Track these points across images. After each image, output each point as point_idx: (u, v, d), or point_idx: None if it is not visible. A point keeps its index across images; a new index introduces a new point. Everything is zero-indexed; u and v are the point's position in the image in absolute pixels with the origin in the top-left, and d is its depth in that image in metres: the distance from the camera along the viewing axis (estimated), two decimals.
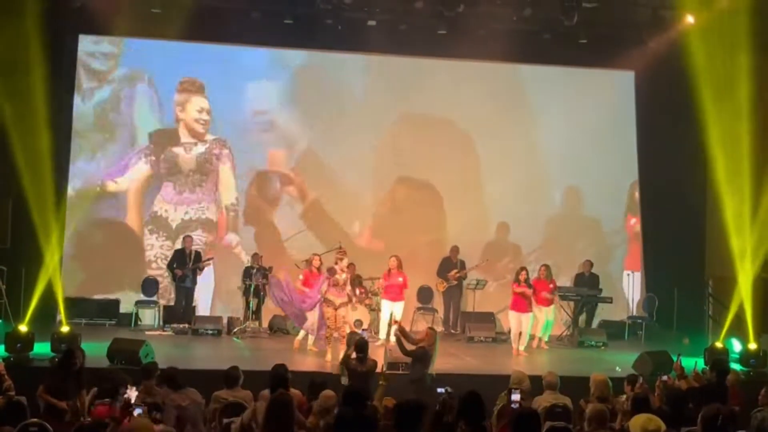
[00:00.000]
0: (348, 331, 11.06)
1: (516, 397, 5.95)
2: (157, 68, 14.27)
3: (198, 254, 13.43)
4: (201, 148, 14.35)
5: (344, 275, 11.27)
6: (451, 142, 14.79)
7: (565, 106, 14.75)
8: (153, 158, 14.23)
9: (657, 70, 14.24)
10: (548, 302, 12.76)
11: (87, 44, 14.05)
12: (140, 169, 14.22)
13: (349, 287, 11.41)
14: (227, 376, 7.56)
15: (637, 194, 15.15)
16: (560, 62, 14.66)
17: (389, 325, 10.00)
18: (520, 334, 12.17)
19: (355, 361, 8.43)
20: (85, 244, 13.92)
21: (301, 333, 11.79)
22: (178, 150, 14.28)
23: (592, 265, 13.94)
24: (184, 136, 14.37)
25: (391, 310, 11.73)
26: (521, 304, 12.19)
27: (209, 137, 14.37)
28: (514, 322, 12.19)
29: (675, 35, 13.53)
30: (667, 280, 14.24)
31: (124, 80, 14.21)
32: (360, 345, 8.58)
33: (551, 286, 12.81)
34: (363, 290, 12.67)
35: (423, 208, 14.77)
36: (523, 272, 12.25)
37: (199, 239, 14.08)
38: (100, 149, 14.14)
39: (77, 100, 14.05)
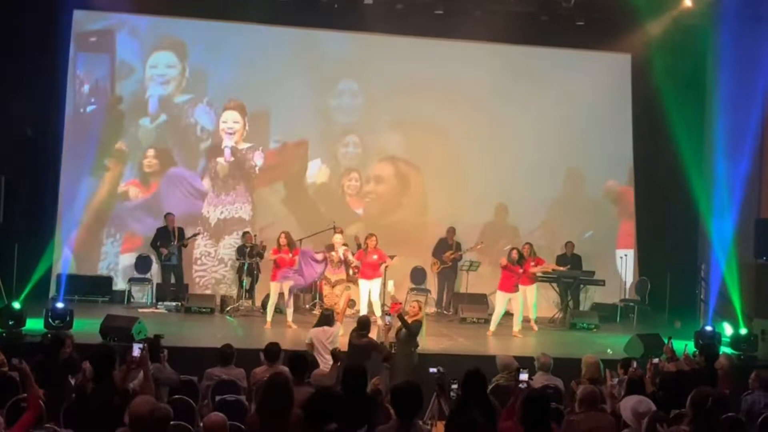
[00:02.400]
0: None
1: (524, 376, 5.95)
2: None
3: (182, 231, 13.39)
4: (236, 155, 14.48)
5: (340, 252, 11.36)
6: (449, 122, 14.71)
7: (562, 88, 14.64)
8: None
9: (653, 53, 14.22)
10: (531, 281, 12.74)
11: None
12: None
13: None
14: (221, 354, 7.59)
15: (631, 175, 15.17)
16: (557, 44, 14.59)
17: (383, 312, 10.06)
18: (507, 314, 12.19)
19: (354, 334, 8.61)
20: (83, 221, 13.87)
21: (290, 314, 11.87)
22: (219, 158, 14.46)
23: (573, 246, 13.97)
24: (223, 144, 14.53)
25: (368, 288, 11.88)
26: (509, 284, 12.07)
27: (243, 146, 14.50)
28: (502, 301, 12.15)
29: (672, 18, 13.53)
30: (660, 264, 14.25)
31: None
32: (361, 322, 8.77)
33: (533, 263, 12.80)
34: (356, 269, 12.68)
35: (419, 188, 14.75)
36: (515, 252, 12.22)
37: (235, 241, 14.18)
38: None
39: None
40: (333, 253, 11.47)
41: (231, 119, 14.43)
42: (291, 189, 14.60)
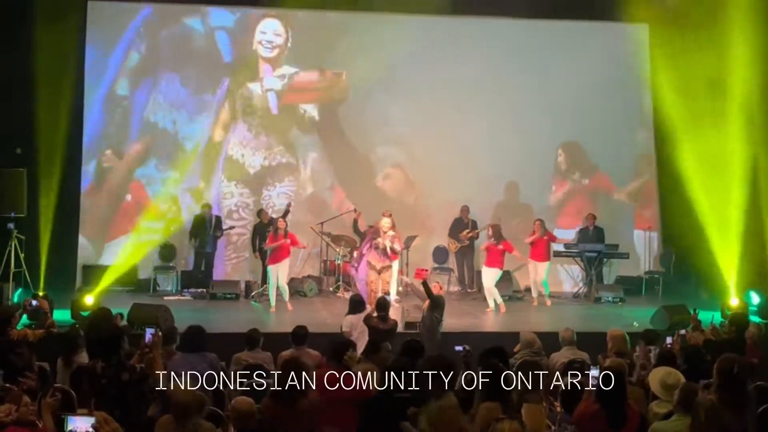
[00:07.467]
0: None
1: (594, 373, 5.96)
2: None
3: (219, 220, 13.44)
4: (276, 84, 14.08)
5: (387, 240, 11.30)
6: (460, 100, 14.50)
7: (578, 61, 14.41)
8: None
9: (672, 22, 14.04)
10: (543, 257, 12.69)
11: None
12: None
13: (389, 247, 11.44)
14: (248, 338, 7.64)
15: (651, 147, 15.00)
16: (572, 16, 14.44)
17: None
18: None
19: (376, 319, 8.49)
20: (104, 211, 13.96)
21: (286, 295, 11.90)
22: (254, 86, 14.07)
23: (595, 218, 13.82)
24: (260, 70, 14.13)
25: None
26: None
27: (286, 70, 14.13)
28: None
29: None
30: (684, 234, 14.11)
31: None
32: (381, 303, 8.65)
33: (546, 238, 12.72)
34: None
35: (434, 168, 14.63)
36: (491, 228, 12.28)
37: (288, 189, 14.11)
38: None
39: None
40: (379, 240, 11.40)
41: (271, 30, 13.94)
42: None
